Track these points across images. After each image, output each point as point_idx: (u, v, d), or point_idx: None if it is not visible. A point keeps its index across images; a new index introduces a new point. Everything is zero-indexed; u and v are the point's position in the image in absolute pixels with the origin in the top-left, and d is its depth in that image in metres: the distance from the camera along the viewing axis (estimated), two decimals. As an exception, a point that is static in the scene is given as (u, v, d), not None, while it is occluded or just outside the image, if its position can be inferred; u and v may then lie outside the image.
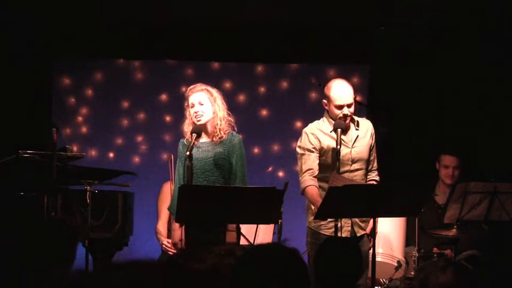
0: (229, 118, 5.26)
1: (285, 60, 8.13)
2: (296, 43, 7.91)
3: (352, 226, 5.14)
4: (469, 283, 3.19)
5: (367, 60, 8.02)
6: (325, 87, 5.26)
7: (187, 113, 5.25)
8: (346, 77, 6.94)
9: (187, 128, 5.24)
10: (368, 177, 5.28)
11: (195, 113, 5.16)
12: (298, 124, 7.78)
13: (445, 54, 7.65)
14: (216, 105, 5.19)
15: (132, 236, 6.50)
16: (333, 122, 5.17)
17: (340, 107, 5.13)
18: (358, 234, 5.15)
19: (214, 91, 5.25)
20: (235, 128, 5.31)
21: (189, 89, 5.29)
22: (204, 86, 5.25)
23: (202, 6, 7.38)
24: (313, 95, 7.82)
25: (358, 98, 6.87)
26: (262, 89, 8.17)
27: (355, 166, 5.19)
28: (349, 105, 5.15)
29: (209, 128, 5.23)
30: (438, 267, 3.13)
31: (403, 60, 7.77)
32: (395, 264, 5.89)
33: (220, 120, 5.19)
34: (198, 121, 5.17)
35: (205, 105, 5.18)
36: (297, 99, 8.09)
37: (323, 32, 7.81)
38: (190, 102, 5.21)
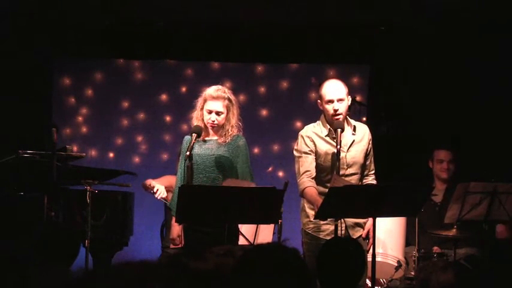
0: (240, 123, 5.27)
1: (285, 60, 8.13)
2: (296, 43, 7.91)
3: (346, 229, 5.12)
4: (469, 283, 3.19)
5: (367, 60, 8.02)
6: (319, 88, 5.27)
7: (199, 108, 5.24)
8: (346, 77, 6.97)
9: (196, 122, 5.23)
10: (364, 181, 5.26)
11: (212, 121, 5.17)
12: (298, 124, 7.77)
13: (445, 54, 7.65)
14: (231, 113, 5.20)
15: (132, 236, 6.51)
16: (328, 126, 5.16)
17: (331, 102, 5.11)
18: (353, 237, 5.13)
19: (233, 99, 5.24)
20: (241, 131, 5.32)
21: (210, 92, 5.22)
22: (225, 94, 5.21)
23: (202, 6, 7.37)
24: (313, 95, 7.82)
25: (358, 98, 6.90)
26: (262, 89, 8.17)
27: (350, 170, 5.18)
28: (339, 100, 5.12)
29: (219, 130, 5.23)
30: (439, 267, 3.13)
31: (403, 60, 7.77)
32: (396, 264, 5.88)
33: (232, 127, 5.21)
34: (212, 128, 5.19)
35: (223, 114, 5.18)
36: (297, 99, 8.09)
37: (323, 32, 7.81)
38: (207, 108, 5.19)
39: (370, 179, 5.28)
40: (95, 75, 8.13)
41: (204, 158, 5.17)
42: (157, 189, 5.90)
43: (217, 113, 5.17)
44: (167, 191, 6.01)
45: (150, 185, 6.03)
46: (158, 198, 5.95)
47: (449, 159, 6.59)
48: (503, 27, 7.33)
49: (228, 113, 5.20)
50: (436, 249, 6.23)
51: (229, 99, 5.21)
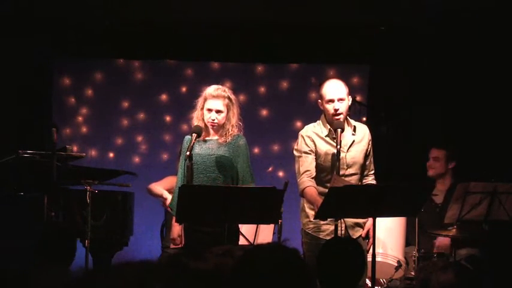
0: (240, 123, 5.27)
1: (285, 60, 8.13)
2: (296, 43, 7.91)
3: (346, 229, 5.12)
4: (469, 283, 3.18)
5: (367, 60, 8.02)
6: (320, 88, 5.27)
7: (199, 107, 5.23)
8: (346, 77, 6.96)
9: (197, 122, 5.23)
10: (364, 181, 5.26)
11: (212, 120, 5.16)
12: (298, 124, 7.78)
13: (445, 54, 7.65)
14: (231, 112, 5.20)
15: (132, 236, 6.51)
16: (328, 126, 5.16)
17: (331, 101, 5.12)
18: (353, 237, 5.13)
19: (233, 98, 5.24)
20: (242, 131, 5.31)
21: (210, 91, 5.21)
22: (225, 93, 5.21)
23: (202, 6, 7.38)
24: (313, 95, 7.83)
25: (358, 98, 6.90)
26: (262, 89, 8.17)
27: (350, 171, 5.18)
28: (340, 100, 5.12)
29: (219, 130, 5.23)
30: (439, 266, 3.13)
31: (403, 60, 7.77)
32: (396, 264, 5.89)
33: (232, 126, 5.21)
34: (212, 127, 5.19)
35: (223, 113, 5.18)
36: (297, 99, 8.09)
37: (323, 32, 7.81)
38: (207, 107, 5.18)
39: (370, 179, 5.28)
40: (95, 75, 8.13)
41: (204, 157, 5.17)
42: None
43: (218, 112, 5.17)
44: (169, 193, 6.02)
45: (162, 195, 6.06)
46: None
47: (434, 156, 6.57)
48: (503, 27, 7.33)
49: (228, 112, 5.19)
50: (436, 250, 6.24)
51: (230, 98, 5.21)
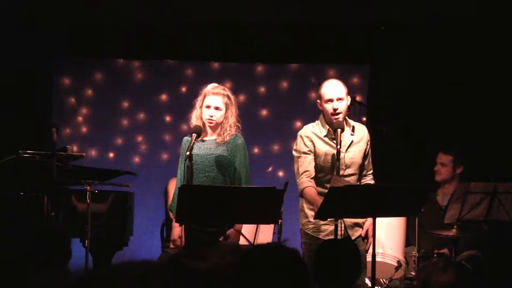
0: (238, 124, 5.28)
1: (285, 60, 8.13)
2: (296, 43, 7.91)
3: (345, 229, 5.12)
4: (469, 283, 3.19)
5: (367, 60, 8.01)
6: (319, 88, 5.28)
7: (198, 106, 5.24)
8: (346, 77, 6.97)
9: (195, 121, 5.23)
10: (362, 181, 5.26)
11: (210, 116, 5.17)
12: (298, 124, 7.77)
13: (445, 54, 7.65)
14: (229, 111, 5.20)
15: (132, 236, 6.51)
16: (327, 126, 5.16)
17: (330, 101, 5.12)
18: (353, 237, 5.13)
19: (232, 97, 5.26)
20: (241, 132, 5.32)
21: (209, 89, 5.24)
22: (224, 91, 5.23)
23: (202, 6, 7.38)
24: (313, 95, 7.82)
25: (358, 98, 6.90)
26: (262, 89, 8.17)
27: (349, 171, 5.18)
28: (339, 100, 5.12)
29: (217, 129, 5.23)
30: (439, 267, 3.13)
31: (403, 61, 7.76)
32: (396, 264, 5.89)
33: (230, 126, 5.21)
34: (210, 124, 5.19)
35: (221, 110, 5.19)
36: (297, 99, 8.09)
37: (323, 32, 7.81)
38: (206, 104, 5.20)
39: (368, 179, 5.29)
40: (95, 75, 8.13)
41: (203, 157, 5.18)
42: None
43: (216, 108, 5.17)
44: None
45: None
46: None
47: (441, 162, 6.57)
48: (503, 28, 7.33)
49: (226, 111, 5.20)
50: (436, 250, 6.24)
51: (229, 97, 5.23)
